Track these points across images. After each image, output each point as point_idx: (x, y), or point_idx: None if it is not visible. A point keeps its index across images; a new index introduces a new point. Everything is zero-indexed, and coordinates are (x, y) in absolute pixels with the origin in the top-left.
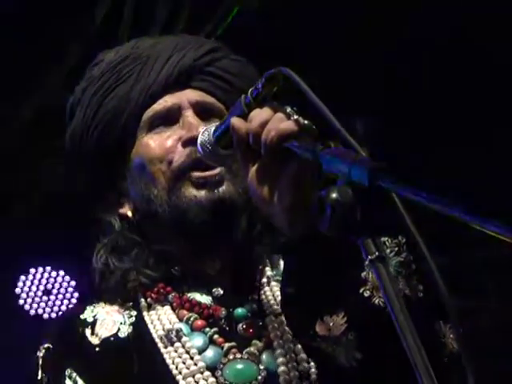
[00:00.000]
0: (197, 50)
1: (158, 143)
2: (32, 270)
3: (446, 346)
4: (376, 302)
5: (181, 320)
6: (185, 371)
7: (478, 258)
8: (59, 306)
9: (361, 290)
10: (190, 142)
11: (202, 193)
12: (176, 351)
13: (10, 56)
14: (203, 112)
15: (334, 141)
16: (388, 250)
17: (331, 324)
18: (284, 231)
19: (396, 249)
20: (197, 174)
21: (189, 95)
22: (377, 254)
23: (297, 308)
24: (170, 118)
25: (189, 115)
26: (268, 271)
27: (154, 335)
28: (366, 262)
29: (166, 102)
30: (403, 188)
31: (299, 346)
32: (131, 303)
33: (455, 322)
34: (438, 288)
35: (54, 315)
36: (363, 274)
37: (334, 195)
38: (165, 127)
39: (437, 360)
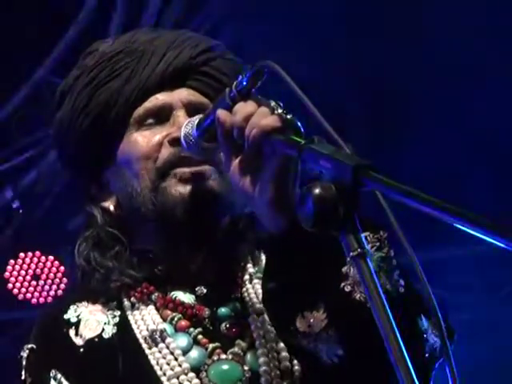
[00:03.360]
0: (193, 49)
1: (146, 140)
2: (21, 255)
3: (428, 341)
4: (357, 297)
5: (165, 320)
6: (169, 372)
7: (463, 252)
8: (48, 292)
9: (341, 285)
10: (178, 140)
11: (188, 188)
12: (160, 352)
13: None
14: (195, 112)
15: (318, 136)
16: (369, 245)
17: (312, 320)
18: (266, 225)
19: (377, 244)
20: (181, 169)
21: (181, 94)
22: (359, 250)
23: (278, 303)
24: (161, 116)
25: (180, 115)
26: (250, 268)
27: (138, 336)
28: (348, 258)
29: (158, 99)
30: (386, 185)
31: (281, 345)
32: (114, 302)
33: (436, 317)
34: (420, 284)
35: (42, 300)
36: (344, 269)
37: (316, 191)
38: (155, 125)
39: (418, 355)
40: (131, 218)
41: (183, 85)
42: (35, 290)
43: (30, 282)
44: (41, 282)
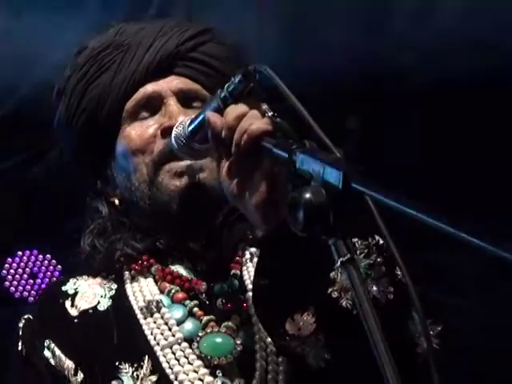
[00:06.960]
0: (180, 36)
1: (139, 133)
2: (19, 253)
3: (420, 346)
4: (344, 303)
5: (162, 292)
6: (162, 342)
7: (458, 256)
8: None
9: (329, 291)
10: (169, 131)
11: (183, 181)
12: (155, 322)
13: None
14: (186, 99)
15: (309, 140)
16: (358, 252)
17: (301, 323)
18: (257, 227)
19: (366, 251)
20: (175, 164)
21: (171, 83)
22: (348, 255)
23: (267, 304)
24: (152, 106)
25: (171, 103)
26: (252, 248)
27: (135, 306)
28: (337, 264)
29: (147, 90)
30: (377, 190)
31: None
32: (113, 276)
33: (423, 322)
34: (408, 289)
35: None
36: (332, 275)
37: (306, 195)
38: (147, 116)
39: (410, 360)
40: (133, 209)
41: (173, 73)
42: (32, 289)
43: (26, 281)
44: (38, 281)
